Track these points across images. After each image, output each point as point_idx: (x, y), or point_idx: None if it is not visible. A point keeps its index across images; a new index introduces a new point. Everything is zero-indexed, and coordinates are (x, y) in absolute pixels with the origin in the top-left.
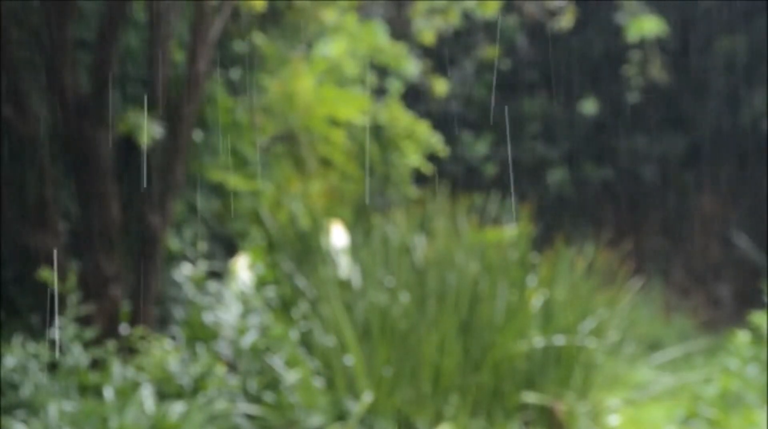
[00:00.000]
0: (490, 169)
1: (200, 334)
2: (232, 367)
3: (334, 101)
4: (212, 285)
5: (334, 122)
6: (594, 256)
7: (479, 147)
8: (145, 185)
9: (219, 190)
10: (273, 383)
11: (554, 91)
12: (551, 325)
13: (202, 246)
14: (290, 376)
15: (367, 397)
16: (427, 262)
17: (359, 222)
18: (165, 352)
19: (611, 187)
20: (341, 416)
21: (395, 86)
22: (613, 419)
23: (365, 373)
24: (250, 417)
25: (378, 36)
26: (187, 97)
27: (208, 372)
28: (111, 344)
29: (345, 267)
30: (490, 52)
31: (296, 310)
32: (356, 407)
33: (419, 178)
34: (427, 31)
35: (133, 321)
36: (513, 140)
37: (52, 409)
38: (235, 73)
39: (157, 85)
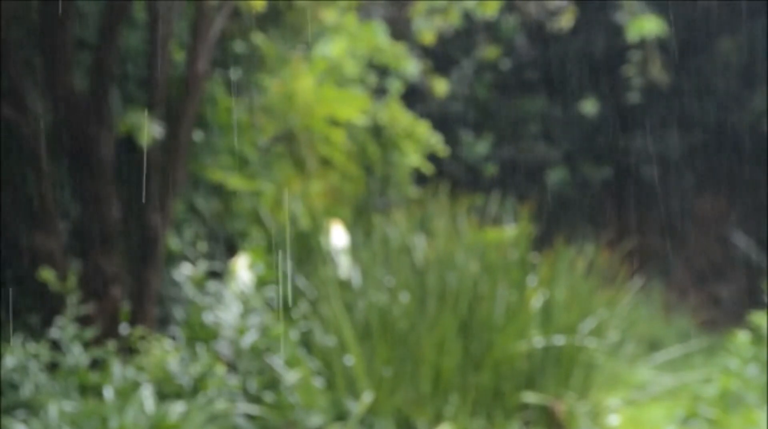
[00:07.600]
0: (490, 169)
1: (200, 334)
2: (232, 367)
3: (334, 101)
4: (212, 285)
5: (334, 122)
6: (594, 256)
7: (479, 147)
8: (145, 185)
9: (219, 190)
10: (273, 383)
11: (554, 91)
12: (551, 325)
13: (202, 246)
14: (290, 376)
15: (367, 397)
16: (427, 262)
17: (359, 222)
18: (165, 352)
19: (611, 187)
20: (341, 416)
21: (395, 86)
22: (613, 419)
23: (365, 373)
24: (250, 417)
25: (378, 36)
26: (187, 97)
27: (208, 372)
28: (111, 344)
29: (345, 267)
30: (490, 52)
31: (296, 310)
32: (356, 407)
33: (419, 178)
34: (427, 31)
35: (133, 321)
36: (513, 140)
37: (52, 409)
38: (235, 73)
39: (157, 85)
